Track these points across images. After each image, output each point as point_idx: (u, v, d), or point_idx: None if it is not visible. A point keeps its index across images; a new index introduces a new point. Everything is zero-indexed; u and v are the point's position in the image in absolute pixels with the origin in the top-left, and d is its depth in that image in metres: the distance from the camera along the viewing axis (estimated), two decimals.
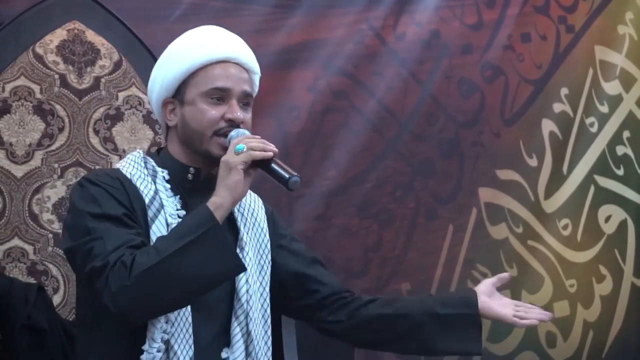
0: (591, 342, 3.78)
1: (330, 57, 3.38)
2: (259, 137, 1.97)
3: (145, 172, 2.04)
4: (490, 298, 2.08)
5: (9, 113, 2.50)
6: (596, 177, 3.81)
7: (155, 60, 2.17)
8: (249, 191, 2.05)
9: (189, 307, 1.96)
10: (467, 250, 3.60)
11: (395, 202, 3.50)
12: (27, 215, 2.48)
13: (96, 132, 2.56)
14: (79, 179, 2.11)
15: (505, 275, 2.13)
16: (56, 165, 2.52)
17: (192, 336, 1.95)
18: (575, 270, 3.77)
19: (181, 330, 1.94)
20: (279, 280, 2.13)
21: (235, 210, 2.07)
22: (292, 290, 2.15)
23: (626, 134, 3.86)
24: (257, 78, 2.12)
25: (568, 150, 3.76)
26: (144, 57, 2.61)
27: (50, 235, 2.48)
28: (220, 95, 2.02)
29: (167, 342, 1.93)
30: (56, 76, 2.54)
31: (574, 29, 3.77)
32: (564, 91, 3.75)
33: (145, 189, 2.01)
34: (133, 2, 2.99)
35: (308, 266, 2.17)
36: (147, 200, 1.99)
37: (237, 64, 2.06)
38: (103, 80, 2.58)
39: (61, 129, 2.53)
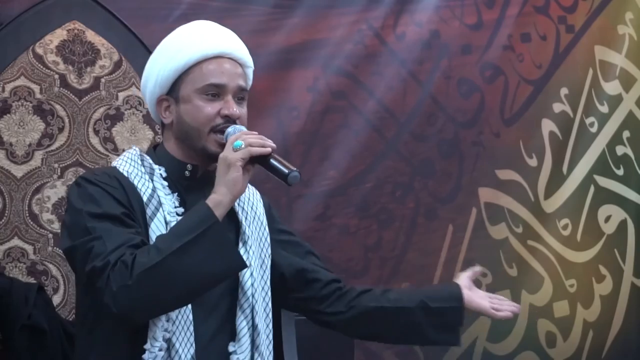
0: (591, 342, 3.78)
1: (330, 57, 3.39)
2: (256, 132, 1.97)
3: (143, 170, 2.03)
4: (470, 290, 2.14)
5: (8, 113, 2.50)
6: (596, 177, 3.81)
7: None
8: (248, 184, 2.05)
9: (189, 304, 1.95)
10: (467, 250, 3.60)
11: (395, 202, 3.50)
12: (27, 215, 2.48)
13: (96, 132, 2.56)
14: (75, 178, 2.10)
15: (478, 268, 2.21)
16: (56, 165, 2.52)
17: (193, 333, 1.95)
18: (575, 270, 3.77)
19: (182, 327, 1.94)
20: (279, 274, 2.14)
21: (236, 204, 2.07)
22: (291, 283, 2.15)
23: (626, 134, 3.86)
24: (250, 71, 2.11)
25: (568, 150, 3.76)
26: (144, 57, 2.60)
27: (50, 235, 2.48)
28: (215, 92, 2.02)
29: (168, 341, 1.93)
30: (56, 76, 2.54)
31: (574, 29, 3.77)
32: (564, 91, 3.75)
33: (143, 187, 2.00)
34: (133, 2, 2.99)
35: (305, 258, 2.19)
36: (145, 199, 1.99)
37: (230, 58, 2.06)
38: (103, 80, 2.58)
39: (61, 129, 2.53)
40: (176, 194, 2.03)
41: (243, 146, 1.92)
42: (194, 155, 2.05)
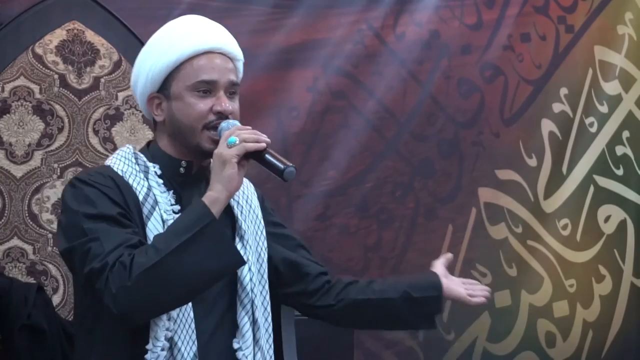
0: (591, 342, 3.78)
1: (329, 57, 3.39)
2: (249, 127, 1.96)
3: (137, 168, 2.02)
4: (446, 278, 2.18)
5: (8, 113, 2.50)
6: (596, 177, 3.81)
7: None
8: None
9: (190, 302, 1.95)
10: (467, 250, 3.60)
11: (395, 202, 3.50)
12: (27, 215, 2.48)
13: (96, 132, 2.56)
14: (70, 179, 2.09)
15: (449, 255, 2.25)
16: (56, 165, 2.52)
17: (194, 331, 1.95)
18: (574, 270, 3.77)
19: (184, 326, 1.94)
20: (273, 267, 2.13)
21: (231, 198, 2.06)
22: (284, 277, 2.16)
23: (626, 134, 3.86)
24: (241, 64, 2.10)
25: (567, 150, 3.76)
26: None
27: (50, 235, 2.48)
28: (206, 88, 2.00)
29: (170, 340, 1.93)
30: (56, 76, 2.54)
31: (574, 29, 3.77)
32: (564, 91, 3.75)
33: (138, 185, 1.99)
34: (133, 2, 2.99)
35: (295, 252, 2.19)
36: (140, 198, 1.98)
37: (221, 53, 2.04)
38: (102, 80, 2.58)
39: (61, 129, 2.53)
40: (172, 191, 2.02)
41: (237, 142, 1.91)
42: (187, 152, 2.04)
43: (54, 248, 2.47)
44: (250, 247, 2.06)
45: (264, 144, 1.92)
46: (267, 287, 2.09)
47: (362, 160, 3.44)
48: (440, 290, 2.14)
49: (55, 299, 2.46)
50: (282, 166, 1.92)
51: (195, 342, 1.95)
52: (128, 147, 2.08)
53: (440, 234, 3.56)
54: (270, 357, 2.08)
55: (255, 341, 2.04)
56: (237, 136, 1.92)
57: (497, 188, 3.66)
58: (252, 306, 2.04)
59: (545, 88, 3.72)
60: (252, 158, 1.93)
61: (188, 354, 1.94)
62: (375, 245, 3.47)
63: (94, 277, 1.86)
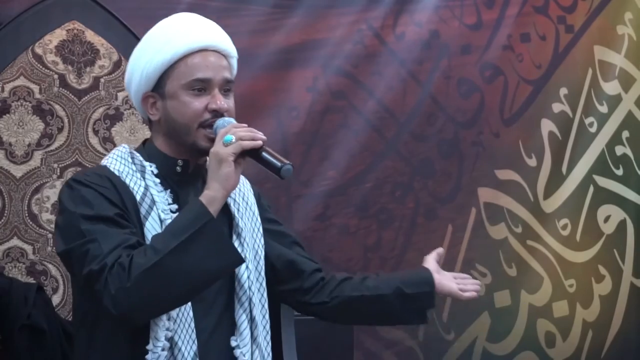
0: (590, 342, 3.78)
1: (329, 57, 3.39)
2: (245, 125, 1.95)
3: (134, 167, 2.02)
4: (438, 274, 2.19)
5: (8, 113, 2.50)
6: (595, 177, 3.81)
7: None
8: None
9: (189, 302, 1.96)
10: (467, 250, 3.60)
11: (395, 202, 3.50)
12: (27, 215, 2.48)
13: (95, 132, 2.56)
14: (66, 180, 2.09)
15: (440, 250, 2.26)
16: (55, 165, 2.52)
17: (194, 330, 1.95)
18: (574, 270, 3.77)
19: (184, 325, 1.94)
20: (270, 264, 2.13)
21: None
22: (280, 274, 2.15)
23: (625, 134, 3.86)
24: (234, 61, 2.09)
25: (567, 150, 3.76)
26: None
27: (50, 235, 2.48)
28: (201, 86, 2.00)
29: (170, 339, 1.93)
30: (55, 76, 2.54)
31: (573, 29, 3.77)
32: (563, 91, 3.75)
33: (135, 185, 1.99)
34: (132, 2, 2.99)
35: (291, 249, 2.19)
36: (138, 198, 1.97)
37: (215, 51, 2.03)
38: (102, 80, 2.58)
39: (60, 129, 2.53)
40: (169, 190, 2.02)
41: (234, 140, 1.90)
42: (184, 150, 2.03)
43: (54, 248, 2.47)
44: (248, 244, 2.06)
45: (260, 142, 1.92)
46: (264, 284, 2.09)
47: (362, 160, 3.44)
48: (432, 286, 2.15)
49: (55, 299, 2.46)
50: (279, 164, 1.91)
51: (195, 342, 1.95)
52: (124, 147, 2.08)
53: (440, 234, 3.56)
54: (268, 354, 2.08)
55: (253, 339, 2.04)
56: (233, 134, 1.91)
57: (497, 188, 3.66)
58: (249, 304, 2.04)
59: (545, 88, 3.73)
60: (248, 156, 1.92)
61: (188, 353, 1.94)
62: (375, 245, 3.47)
63: (93, 278, 1.85)
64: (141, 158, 2.04)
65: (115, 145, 2.55)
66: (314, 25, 3.37)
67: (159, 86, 2.02)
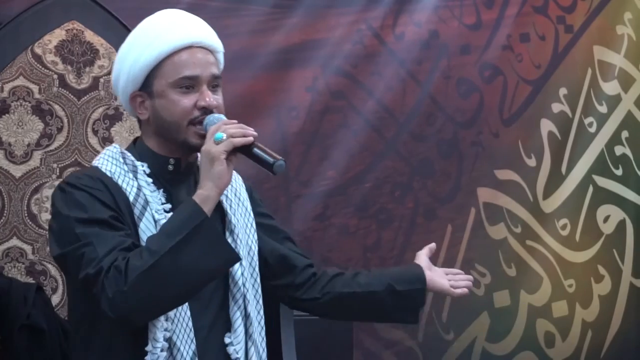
0: (590, 342, 3.78)
1: (329, 57, 3.39)
2: (235, 121, 1.94)
3: (126, 168, 2.00)
4: (430, 270, 2.19)
5: (7, 113, 2.50)
6: (595, 177, 3.81)
7: None
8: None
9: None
10: (466, 250, 3.60)
11: (394, 202, 3.50)
12: (26, 215, 2.48)
13: (95, 132, 2.56)
14: (59, 183, 2.06)
15: (432, 245, 2.26)
16: (55, 165, 2.52)
17: (192, 330, 1.95)
18: (573, 270, 3.77)
19: (181, 325, 1.94)
20: (262, 259, 2.12)
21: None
22: (272, 270, 2.15)
23: (625, 134, 3.86)
24: (221, 56, 2.08)
25: (567, 150, 3.76)
26: None
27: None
28: (189, 84, 1.98)
29: (169, 340, 1.93)
30: (55, 76, 2.54)
31: (573, 29, 3.77)
32: (563, 91, 3.75)
33: (128, 186, 1.98)
34: (132, 2, 2.99)
35: (283, 244, 2.18)
36: (131, 198, 1.96)
37: (201, 47, 2.02)
38: (102, 80, 2.58)
39: (60, 129, 2.53)
40: (161, 190, 2.01)
41: (224, 138, 1.89)
42: (175, 148, 2.02)
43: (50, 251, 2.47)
44: (241, 241, 2.06)
45: (251, 138, 1.91)
46: (258, 279, 2.09)
47: (361, 160, 3.44)
48: (423, 283, 2.15)
49: (55, 299, 2.46)
50: (271, 159, 1.90)
51: (194, 340, 1.95)
52: (115, 147, 2.07)
53: (439, 234, 3.56)
54: (263, 349, 2.07)
55: (248, 335, 2.04)
56: (223, 131, 1.90)
57: (496, 188, 3.66)
58: (244, 301, 2.03)
59: (544, 88, 3.73)
60: (240, 152, 1.91)
61: (187, 352, 1.94)
62: (375, 245, 3.47)
63: (90, 282, 1.85)
64: (133, 158, 2.03)
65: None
66: (314, 25, 3.37)
67: (146, 85, 2.01)
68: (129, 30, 2.60)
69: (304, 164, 3.34)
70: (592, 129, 3.80)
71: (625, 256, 3.86)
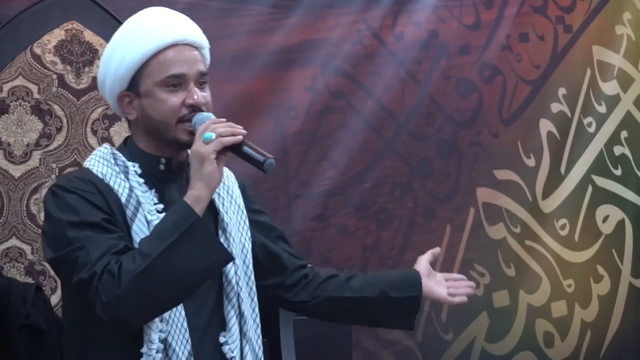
0: (589, 342, 3.79)
1: (328, 57, 3.38)
2: (224, 120, 1.93)
3: (117, 169, 2.00)
4: (428, 277, 2.17)
5: (6, 113, 2.50)
6: (594, 177, 3.81)
7: None
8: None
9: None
10: (465, 250, 3.60)
11: (394, 202, 3.50)
12: (25, 215, 2.48)
13: (94, 132, 2.56)
14: (50, 186, 2.05)
15: (436, 250, 2.24)
16: (54, 165, 2.52)
17: (187, 330, 1.95)
18: (573, 270, 3.77)
19: (176, 326, 1.93)
20: (253, 254, 2.12)
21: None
22: (264, 265, 2.14)
23: (624, 134, 3.86)
24: (207, 52, 2.06)
25: (566, 150, 3.76)
26: None
27: None
28: (176, 82, 1.97)
29: (164, 341, 1.92)
30: (54, 76, 2.54)
31: (572, 29, 3.77)
32: (562, 91, 3.75)
33: (120, 187, 1.97)
34: (131, 2, 2.98)
35: (276, 243, 2.18)
36: (123, 200, 1.96)
37: (186, 44, 2.00)
38: None
39: (59, 129, 2.53)
40: (153, 190, 2.00)
41: (213, 137, 1.88)
42: (165, 147, 2.01)
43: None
44: (234, 239, 2.05)
45: (240, 137, 1.90)
46: (253, 277, 2.08)
47: (360, 160, 3.44)
48: (419, 291, 2.13)
49: (54, 299, 2.46)
50: (261, 158, 1.90)
51: (189, 341, 1.95)
52: (105, 147, 2.06)
53: (438, 234, 3.56)
54: (259, 347, 2.07)
55: (243, 334, 2.03)
56: (212, 131, 1.89)
57: (496, 188, 3.66)
58: (237, 299, 2.03)
59: (543, 88, 3.73)
60: (229, 151, 1.91)
61: (183, 353, 1.94)
62: (374, 245, 3.47)
63: (84, 286, 1.85)
64: (124, 158, 2.02)
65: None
66: (313, 25, 3.37)
67: (133, 85, 2.00)
68: None
69: (303, 164, 3.34)
70: (591, 129, 3.80)
71: (624, 256, 3.86)
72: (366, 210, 3.46)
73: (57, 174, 2.51)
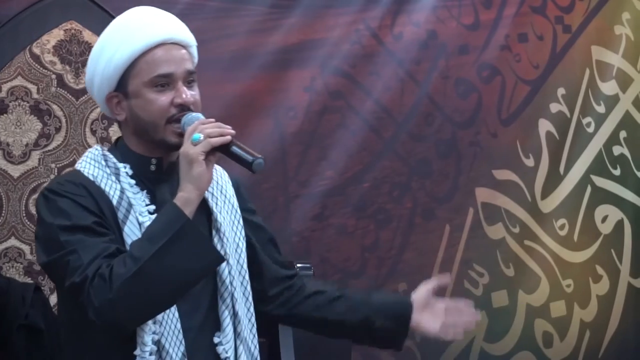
0: (588, 342, 3.78)
1: (327, 57, 3.39)
2: (213, 120, 1.92)
3: (108, 171, 1.99)
4: (424, 309, 2.14)
5: (5, 113, 2.50)
6: (593, 177, 3.81)
7: None
8: (215, 166, 2.00)
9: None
10: (464, 251, 3.60)
11: (393, 202, 3.50)
12: (24, 215, 2.48)
13: (93, 132, 2.56)
14: (41, 190, 2.04)
15: (445, 280, 2.23)
16: (53, 166, 2.52)
17: (181, 331, 1.94)
18: (571, 271, 3.77)
19: (170, 327, 1.93)
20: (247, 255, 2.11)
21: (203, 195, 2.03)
22: (251, 266, 2.11)
23: (623, 134, 3.86)
24: (194, 50, 2.05)
25: (565, 150, 3.76)
26: None
27: None
28: (164, 82, 1.96)
29: (157, 342, 1.92)
30: (53, 76, 2.54)
31: (571, 29, 3.77)
32: (561, 91, 3.75)
33: (111, 189, 1.96)
34: (130, 2, 2.97)
35: (264, 247, 2.16)
36: (114, 202, 1.95)
37: (173, 43, 1.99)
38: None
39: (58, 129, 2.53)
40: (145, 191, 1.99)
41: (202, 138, 1.87)
42: (155, 148, 2.00)
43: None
44: (228, 239, 2.04)
45: (229, 137, 1.89)
46: (247, 277, 2.07)
47: (359, 160, 3.44)
48: (405, 326, 2.12)
49: (53, 299, 2.46)
50: (250, 158, 1.89)
51: (183, 342, 1.94)
52: (96, 149, 2.05)
53: (437, 234, 3.56)
54: (255, 347, 2.06)
55: (237, 334, 2.02)
56: (200, 132, 1.88)
57: (495, 188, 3.66)
58: (232, 299, 2.02)
59: (542, 88, 3.73)
60: (218, 151, 1.90)
61: (176, 354, 1.93)
62: (373, 246, 3.47)
63: (76, 290, 1.85)
64: (115, 160, 2.01)
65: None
66: (312, 25, 3.37)
67: (121, 85, 1.99)
68: None
69: (302, 164, 3.34)
70: (590, 129, 3.80)
71: (623, 256, 3.86)
72: (365, 210, 3.46)
73: (56, 174, 2.51)
